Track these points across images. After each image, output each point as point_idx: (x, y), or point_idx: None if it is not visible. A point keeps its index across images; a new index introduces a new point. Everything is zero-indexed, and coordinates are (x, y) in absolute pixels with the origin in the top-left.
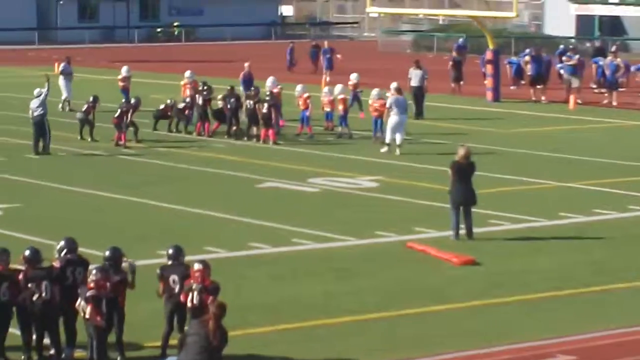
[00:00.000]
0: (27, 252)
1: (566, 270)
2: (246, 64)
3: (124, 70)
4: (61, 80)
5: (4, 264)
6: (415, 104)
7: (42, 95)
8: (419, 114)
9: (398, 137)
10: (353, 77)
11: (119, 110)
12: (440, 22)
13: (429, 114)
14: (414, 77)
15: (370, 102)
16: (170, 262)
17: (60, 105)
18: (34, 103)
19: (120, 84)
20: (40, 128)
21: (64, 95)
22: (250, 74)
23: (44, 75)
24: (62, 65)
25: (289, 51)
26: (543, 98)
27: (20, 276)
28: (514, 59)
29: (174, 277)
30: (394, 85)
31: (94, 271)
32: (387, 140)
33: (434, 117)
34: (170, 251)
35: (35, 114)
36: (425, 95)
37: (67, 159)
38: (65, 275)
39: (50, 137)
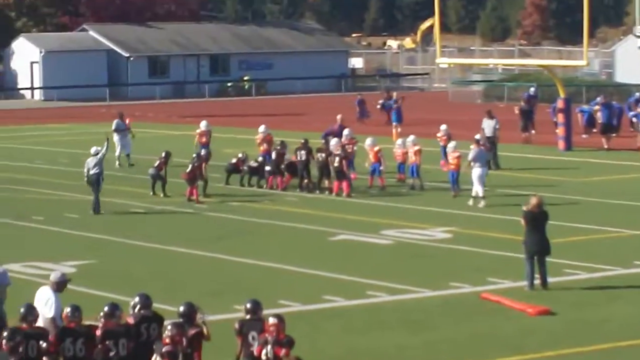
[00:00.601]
0: (106, 308)
1: None
2: (338, 117)
3: (202, 125)
4: (115, 137)
5: (77, 321)
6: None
7: (100, 154)
8: (495, 164)
9: (480, 190)
10: (442, 129)
11: (190, 165)
12: (513, 71)
13: (503, 164)
14: (487, 127)
15: (448, 155)
16: (248, 317)
17: (117, 162)
18: (91, 161)
19: (199, 138)
20: (96, 187)
21: (118, 151)
22: (342, 127)
23: (104, 134)
24: (115, 122)
25: (357, 102)
26: (606, 146)
27: (98, 332)
28: (585, 107)
29: (253, 334)
30: (476, 136)
31: (169, 326)
32: (481, 194)
33: (506, 166)
34: (249, 305)
35: (92, 172)
36: (497, 145)
37: (140, 215)
38: (139, 332)
39: (99, 196)
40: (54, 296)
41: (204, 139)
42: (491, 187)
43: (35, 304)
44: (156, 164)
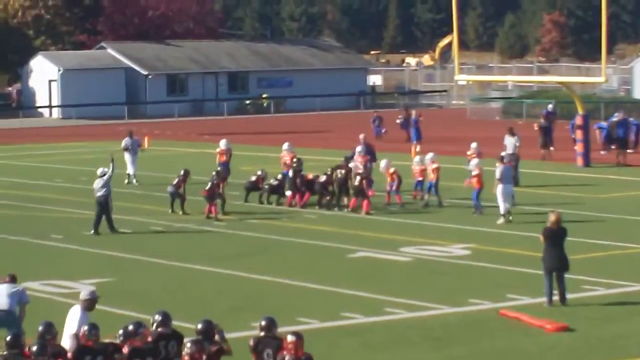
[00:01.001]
0: (131, 327)
1: None
2: (361, 136)
3: (222, 144)
4: (126, 155)
5: (95, 339)
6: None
7: (106, 176)
8: (515, 181)
9: (503, 208)
10: (473, 147)
11: (209, 183)
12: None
13: (523, 181)
14: (509, 144)
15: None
16: (263, 334)
17: (127, 180)
18: (98, 183)
19: (220, 157)
20: (103, 208)
21: (129, 169)
22: (366, 145)
23: (109, 155)
24: (124, 140)
25: (372, 120)
26: (622, 161)
27: (125, 349)
28: (603, 123)
29: (268, 351)
30: (502, 154)
31: (188, 344)
32: (502, 212)
33: (525, 183)
34: (263, 323)
35: (99, 194)
36: (519, 162)
37: (159, 233)
38: (157, 349)
39: (111, 216)
40: (80, 313)
41: (224, 158)
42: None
43: (67, 323)
44: (175, 182)
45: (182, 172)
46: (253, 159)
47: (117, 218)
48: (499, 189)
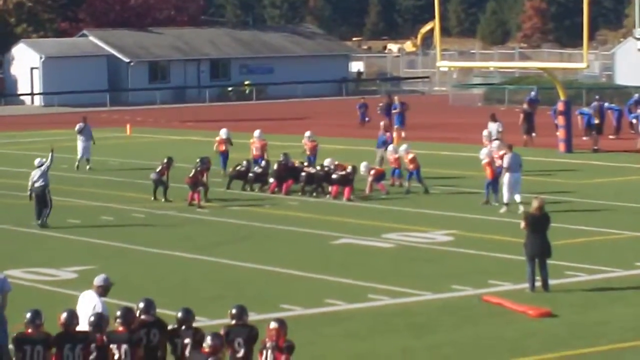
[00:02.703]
0: (118, 313)
1: None
2: (382, 123)
3: (222, 133)
4: (78, 141)
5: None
6: None
7: (44, 166)
8: None
9: (518, 197)
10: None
11: (193, 170)
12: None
13: None
14: (492, 129)
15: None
16: (234, 322)
17: (77, 163)
18: (35, 173)
19: (219, 146)
20: (42, 200)
21: (80, 154)
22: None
23: (50, 145)
24: (78, 125)
25: (359, 107)
26: (595, 147)
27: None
28: (585, 109)
29: (239, 340)
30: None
31: (209, 337)
32: (506, 200)
33: None
34: (234, 311)
35: (37, 185)
36: None
37: (141, 220)
38: (137, 337)
39: (52, 209)
40: (99, 301)
41: (222, 147)
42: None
43: (79, 308)
44: (158, 169)
45: (165, 160)
46: (235, 146)
47: (98, 205)
48: (506, 177)
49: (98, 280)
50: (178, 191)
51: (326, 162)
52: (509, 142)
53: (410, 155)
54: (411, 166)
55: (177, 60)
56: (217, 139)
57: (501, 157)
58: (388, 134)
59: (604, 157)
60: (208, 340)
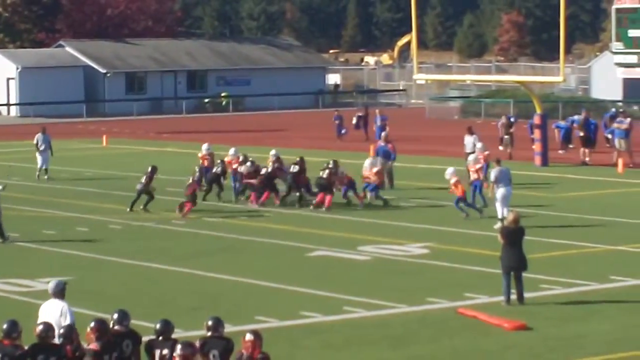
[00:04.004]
0: (92, 324)
1: (620, 333)
2: (383, 134)
3: (203, 148)
4: (37, 152)
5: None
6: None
7: None
8: None
9: (506, 212)
10: (479, 147)
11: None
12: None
13: None
14: (468, 143)
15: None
16: (209, 334)
17: (37, 175)
18: None
19: (202, 161)
20: None
21: (39, 164)
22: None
23: (8, 167)
24: (37, 136)
25: (334, 119)
26: (587, 159)
27: (93, 346)
28: (561, 123)
29: (214, 352)
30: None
31: (179, 346)
32: (500, 216)
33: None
34: (210, 323)
35: None
36: None
37: (117, 232)
38: (113, 347)
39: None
40: (65, 304)
41: (206, 162)
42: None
43: (47, 318)
44: (143, 180)
45: (149, 169)
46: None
47: (75, 216)
48: (498, 192)
49: (54, 286)
50: (156, 202)
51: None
52: (497, 157)
53: (375, 169)
54: (374, 178)
55: (154, 71)
56: (200, 154)
57: (477, 171)
58: (390, 145)
59: (580, 170)
60: (178, 349)
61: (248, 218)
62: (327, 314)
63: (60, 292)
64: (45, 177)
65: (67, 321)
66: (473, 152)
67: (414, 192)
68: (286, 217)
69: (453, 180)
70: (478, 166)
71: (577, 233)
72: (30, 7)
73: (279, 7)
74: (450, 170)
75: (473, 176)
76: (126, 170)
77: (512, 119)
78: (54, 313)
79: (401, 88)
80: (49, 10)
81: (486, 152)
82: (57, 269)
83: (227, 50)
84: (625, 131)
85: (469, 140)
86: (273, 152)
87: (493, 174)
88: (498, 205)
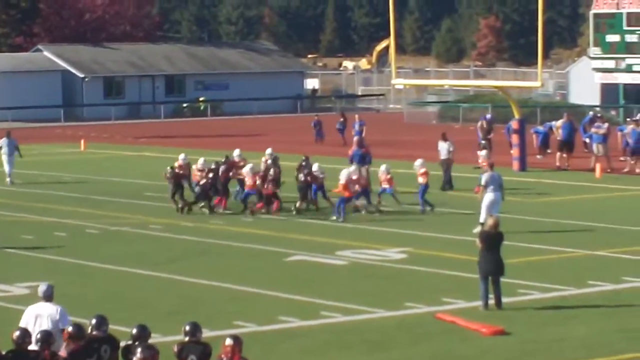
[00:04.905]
0: (70, 329)
1: (598, 338)
2: (355, 138)
3: (180, 158)
4: (2, 156)
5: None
6: (444, 175)
7: None
8: (447, 185)
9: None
10: (482, 154)
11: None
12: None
13: (457, 185)
14: (442, 149)
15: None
16: (187, 339)
17: (9, 178)
18: None
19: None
20: None
21: (6, 169)
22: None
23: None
24: (1, 140)
25: (313, 124)
26: (567, 164)
27: (63, 352)
28: (539, 128)
29: (192, 357)
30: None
31: (139, 349)
32: (482, 220)
33: (462, 187)
34: (187, 327)
35: None
36: (452, 166)
37: (95, 236)
38: (90, 352)
39: None
40: (61, 307)
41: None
42: (449, 207)
43: (37, 321)
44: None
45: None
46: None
47: (53, 221)
48: (486, 196)
49: (45, 289)
50: (132, 207)
51: (314, 167)
52: (491, 162)
53: (355, 176)
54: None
55: (132, 76)
56: (177, 164)
57: (423, 175)
58: (364, 149)
59: (558, 175)
60: (138, 352)
61: (225, 223)
62: (304, 319)
63: (51, 296)
64: (8, 179)
65: (65, 324)
66: (447, 159)
67: (392, 197)
68: (264, 222)
69: (422, 170)
70: (422, 170)
71: (555, 238)
72: (7, 11)
73: (257, 11)
74: (419, 161)
75: (420, 180)
76: (104, 174)
77: (488, 117)
78: (51, 316)
79: (379, 93)
80: (26, 14)
81: (489, 160)
82: (35, 274)
83: (205, 54)
84: (603, 136)
85: (443, 146)
86: (269, 150)
87: (483, 178)
88: (483, 210)
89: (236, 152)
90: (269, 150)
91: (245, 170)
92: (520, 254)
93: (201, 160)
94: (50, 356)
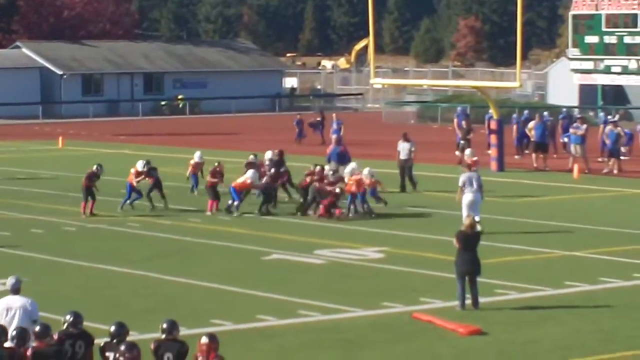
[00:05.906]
0: (37, 328)
1: (574, 338)
2: (333, 136)
3: (196, 156)
4: None
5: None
6: (401, 176)
7: None
8: (405, 187)
9: (477, 219)
10: (467, 153)
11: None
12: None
13: (435, 185)
14: (402, 150)
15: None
16: (164, 337)
17: None
18: None
19: (192, 169)
20: None
21: None
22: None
23: None
24: None
25: (296, 123)
26: (545, 165)
27: (29, 352)
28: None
29: (168, 355)
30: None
31: (122, 347)
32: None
33: (439, 188)
34: (164, 325)
35: None
36: (413, 166)
37: (72, 233)
38: (62, 351)
39: None
40: (31, 299)
41: (194, 170)
42: (423, 207)
43: (8, 313)
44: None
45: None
46: (168, 160)
47: (30, 218)
48: (464, 197)
49: (13, 282)
50: (107, 204)
51: (365, 171)
52: (466, 162)
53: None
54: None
55: (110, 73)
56: (192, 162)
57: (357, 181)
58: (342, 147)
59: (536, 176)
60: (122, 353)
61: (203, 221)
62: (282, 318)
63: (19, 289)
64: None
65: (37, 316)
66: (408, 159)
67: (369, 196)
68: (242, 221)
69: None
70: (355, 178)
71: (532, 238)
72: None
73: (236, 10)
74: (352, 165)
75: (351, 188)
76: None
77: (465, 110)
78: (23, 307)
79: (358, 92)
80: (5, 11)
81: (474, 158)
82: (11, 271)
83: (184, 52)
84: (582, 137)
85: (404, 146)
86: (269, 154)
87: (461, 179)
88: (463, 211)
89: (197, 155)
90: (268, 154)
91: (248, 175)
92: (497, 254)
93: (140, 163)
94: (25, 354)
